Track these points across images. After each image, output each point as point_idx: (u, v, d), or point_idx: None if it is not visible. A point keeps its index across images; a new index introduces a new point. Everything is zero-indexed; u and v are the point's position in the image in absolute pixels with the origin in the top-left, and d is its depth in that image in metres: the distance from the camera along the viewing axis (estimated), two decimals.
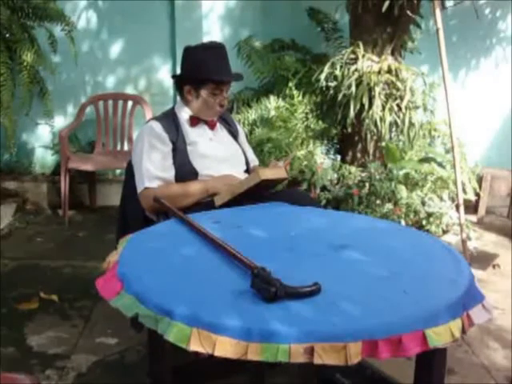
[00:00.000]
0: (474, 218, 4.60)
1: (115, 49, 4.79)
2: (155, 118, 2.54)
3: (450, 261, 1.72)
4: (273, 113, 4.06)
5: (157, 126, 2.45)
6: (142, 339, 2.39)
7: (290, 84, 4.17)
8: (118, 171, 4.90)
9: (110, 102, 4.69)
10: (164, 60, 4.83)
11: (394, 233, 2.00)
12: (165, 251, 1.72)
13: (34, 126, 4.80)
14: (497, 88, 5.01)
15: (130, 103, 4.68)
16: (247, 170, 2.63)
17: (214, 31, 4.80)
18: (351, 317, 1.36)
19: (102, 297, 1.52)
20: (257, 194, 2.25)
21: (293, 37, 4.69)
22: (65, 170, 4.35)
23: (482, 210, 4.66)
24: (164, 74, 4.86)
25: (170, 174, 2.41)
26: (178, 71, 4.75)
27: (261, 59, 4.37)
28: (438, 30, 3.64)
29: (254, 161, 2.78)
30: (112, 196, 4.87)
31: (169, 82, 4.85)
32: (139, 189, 2.39)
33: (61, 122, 4.80)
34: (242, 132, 2.77)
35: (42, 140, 4.88)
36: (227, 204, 2.28)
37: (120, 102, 4.69)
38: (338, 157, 4.40)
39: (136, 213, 2.47)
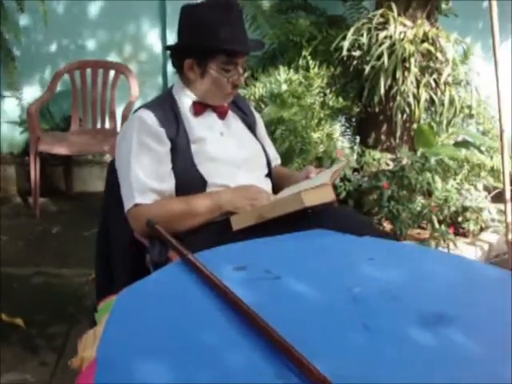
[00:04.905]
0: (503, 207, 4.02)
1: (95, 9, 4.08)
2: (146, 106, 1.86)
3: None
4: (284, 87, 3.39)
5: (149, 118, 1.78)
6: None
7: (305, 52, 3.49)
8: None
9: (89, 71, 4.00)
10: (152, 22, 4.13)
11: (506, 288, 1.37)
12: (175, 339, 1.07)
13: None
14: None
15: (112, 73, 4.00)
16: (269, 174, 1.98)
17: None
18: None
19: None
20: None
21: None
22: (35, 152, 3.67)
23: None
24: (152, 38, 4.17)
25: (169, 184, 1.76)
26: (169, 36, 4.16)
27: (268, 22, 3.69)
28: None
29: (276, 159, 2.13)
30: (92, 180, 4.22)
31: (158, 48, 4.18)
32: (127, 205, 1.74)
33: (30, 93, 4.09)
34: (260, 122, 2.10)
35: (8, 115, 4.16)
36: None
37: (100, 71, 4.01)
38: (357, 139, 3.77)
39: (121, 234, 1.84)
